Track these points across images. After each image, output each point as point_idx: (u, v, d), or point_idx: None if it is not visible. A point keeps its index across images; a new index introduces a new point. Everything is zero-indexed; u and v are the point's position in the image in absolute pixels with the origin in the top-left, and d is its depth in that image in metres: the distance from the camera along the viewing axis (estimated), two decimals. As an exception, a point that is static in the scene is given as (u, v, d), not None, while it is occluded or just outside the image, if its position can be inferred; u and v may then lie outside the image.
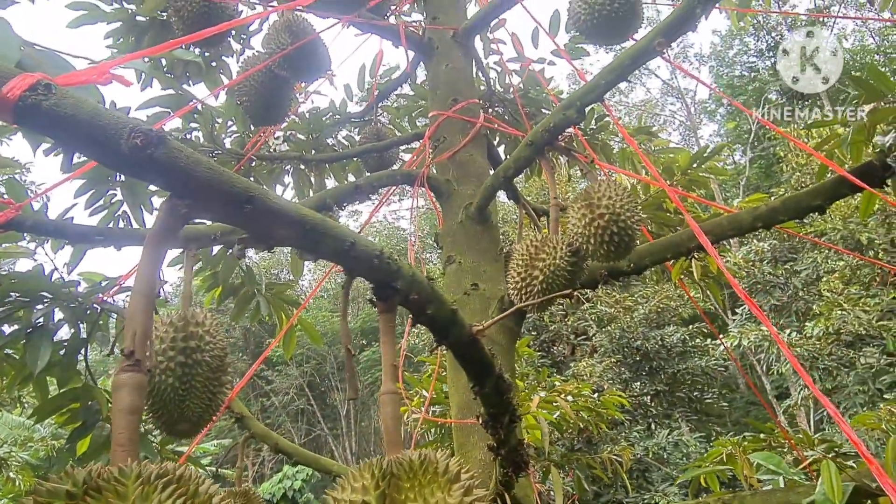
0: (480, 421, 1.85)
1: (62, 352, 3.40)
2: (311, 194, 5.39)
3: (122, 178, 3.79)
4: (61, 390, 3.51)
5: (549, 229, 2.59)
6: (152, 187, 4.15)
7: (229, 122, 5.05)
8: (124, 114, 0.93)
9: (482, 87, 4.95)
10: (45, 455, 14.49)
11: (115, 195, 3.94)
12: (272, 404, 26.88)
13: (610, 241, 2.35)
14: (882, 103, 3.12)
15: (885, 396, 9.65)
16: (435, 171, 3.53)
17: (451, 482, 1.16)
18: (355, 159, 4.87)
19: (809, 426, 14.69)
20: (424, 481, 1.15)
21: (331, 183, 6.19)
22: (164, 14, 4.44)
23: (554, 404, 6.04)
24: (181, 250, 3.72)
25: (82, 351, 3.35)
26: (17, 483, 11.76)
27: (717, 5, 2.86)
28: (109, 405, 3.49)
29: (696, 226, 2.23)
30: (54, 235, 2.39)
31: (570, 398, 6.55)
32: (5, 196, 2.57)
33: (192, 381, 2.01)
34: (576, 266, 2.47)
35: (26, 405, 11.73)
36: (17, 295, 3.17)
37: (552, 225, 2.59)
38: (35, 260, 3.41)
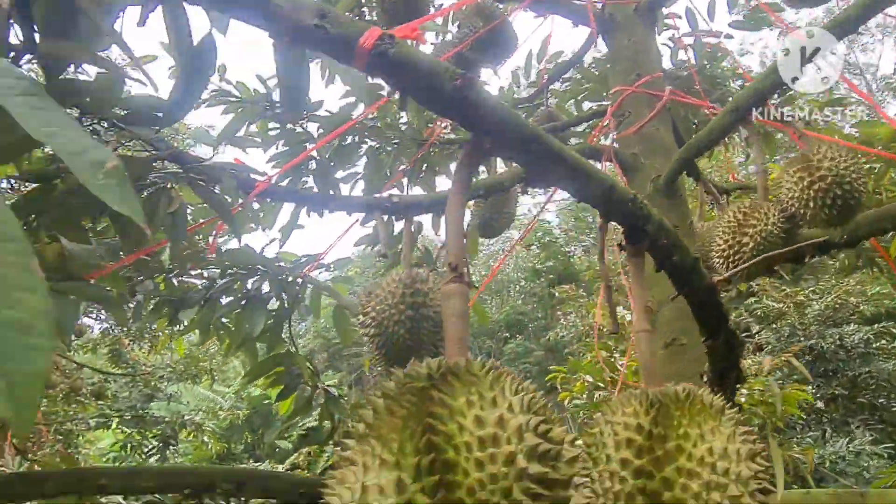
0: (705, 379, 1.84)
1: (270, 321, 3.80)
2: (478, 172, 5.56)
3: (314, 166, 4.19)
4: (269, 355, 3.91)
5: (759, 195, 2.50)
6: (339, 174, 4.54)
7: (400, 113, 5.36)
8: (438, 60, 1.07)
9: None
10: (227, 425, 16.20)
11: (307, 181, 4.35)
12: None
13: (832, 205, 2.22)
14: None
15: None
16: (618, 146, 3.51)
17: (720, 413, 1.19)
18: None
19: None
20: (693, 411, 1.19)
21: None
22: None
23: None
24: (370, 231, 4.04)
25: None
26: (209, 447, 13.27)
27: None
28: (309, 369, 3.87)
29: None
30: (296, 202, 2.71)
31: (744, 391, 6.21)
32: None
33: (419, 334, 2.19)
34: (790, 232, 2.36)
35: (216, 378, 13.19)
36: (237, 269, 3.59)
37: (761, 192, 2.50)
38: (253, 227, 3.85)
